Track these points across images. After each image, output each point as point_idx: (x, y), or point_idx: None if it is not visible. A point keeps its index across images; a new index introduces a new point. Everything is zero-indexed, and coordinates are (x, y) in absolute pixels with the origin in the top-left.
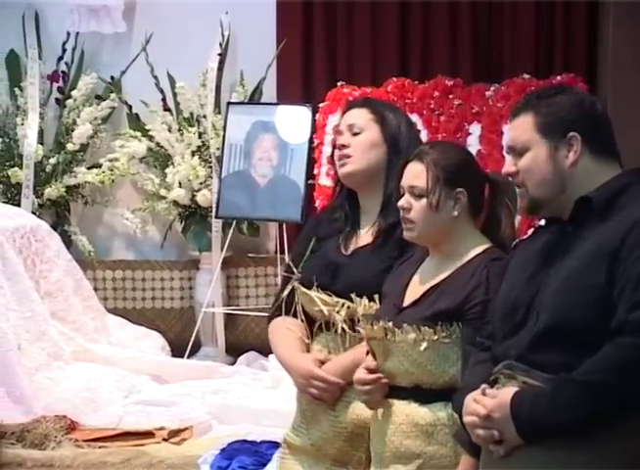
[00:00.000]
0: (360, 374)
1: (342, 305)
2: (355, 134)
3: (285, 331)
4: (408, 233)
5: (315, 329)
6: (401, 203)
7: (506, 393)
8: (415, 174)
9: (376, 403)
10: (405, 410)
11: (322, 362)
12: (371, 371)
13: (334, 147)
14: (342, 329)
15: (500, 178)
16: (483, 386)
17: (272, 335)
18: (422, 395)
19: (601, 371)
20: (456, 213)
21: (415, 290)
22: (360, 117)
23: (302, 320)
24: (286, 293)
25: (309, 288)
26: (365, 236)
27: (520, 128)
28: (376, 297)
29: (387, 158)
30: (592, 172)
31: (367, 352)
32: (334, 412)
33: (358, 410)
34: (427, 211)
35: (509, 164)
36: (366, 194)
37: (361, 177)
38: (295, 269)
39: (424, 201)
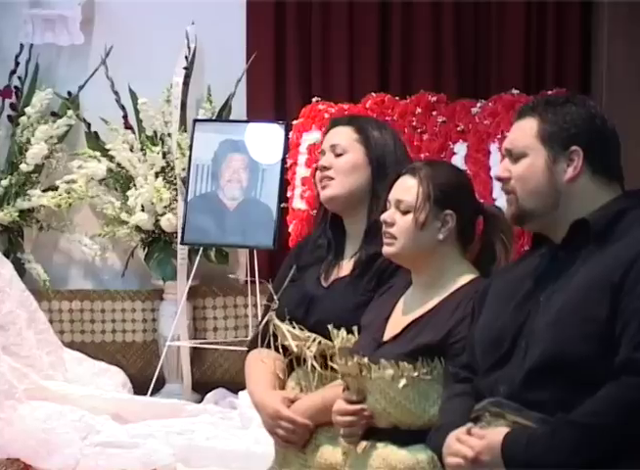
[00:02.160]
0: (341, 405)
1: (314, 340)
2: (338, 155)
3: (258, 365)
4: (387, 248)
5: (287, 364)
6: (385, 216)
7: (496, 434)
8: (405, 188)
9: (357, 438)
10: (382, 454)
11: (292, 401)
12: (352, 403)
13: (315, 168)
14: (312, 366)
15: (495, 211)
16: (469, 424)
17: (246, 368)
18: (400, 436)
19: (604, 413)
20: (441, 237)
21: (396, 323)
22: (344, 136)
23: (280, 353)
24: (263, 323)
25: (283, 320)
26: (347, 266)
27: (521, 132)
28: (355, 329)
29: (371, 181)
30: (590, 192)
31: (343, 389)
32: (303, 455)
33: (327, 455)
34: (411, 227)
35: (502, 169)
36: (351, 219)
37: (343, 202)
38: (275, 298)
39: (409, 217)
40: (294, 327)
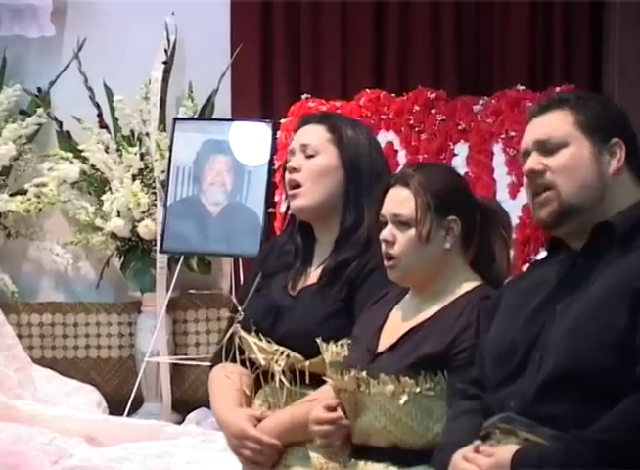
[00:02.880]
0: (318, 412)
1: (282, 353)
2: (309, 156)
3: (222, 381)
4: (392, 273)
5: (255, 379)
6: (384, 235)
7: (505, 451)
8: (399, 201)
9: (334, 449)
10: None
11: (259, 420)
12: (331, 410)
13: (284, 169)
14: (280, 381)
15: (493, 205)
16: (477, 442)
17: (211, 384)
18: (401, 456)
19: (622, 429)
20: (448, 245)
21: (392, 332)
22: (316, 136)
23: (246, 367)
24: (228, 336)
25: (249, 332)
26: (314, 274)
27: (554, 124)
28: (344, 342)
29: (344, 186)
30: (630, 188)
31: (335, 408)
32: None
33: None
34: (415, 243)
35: (536, 161)
36: (321, 227)
37: (314, 211)
38: (239, 309)
39: (411, 232)
40: (261, 339)
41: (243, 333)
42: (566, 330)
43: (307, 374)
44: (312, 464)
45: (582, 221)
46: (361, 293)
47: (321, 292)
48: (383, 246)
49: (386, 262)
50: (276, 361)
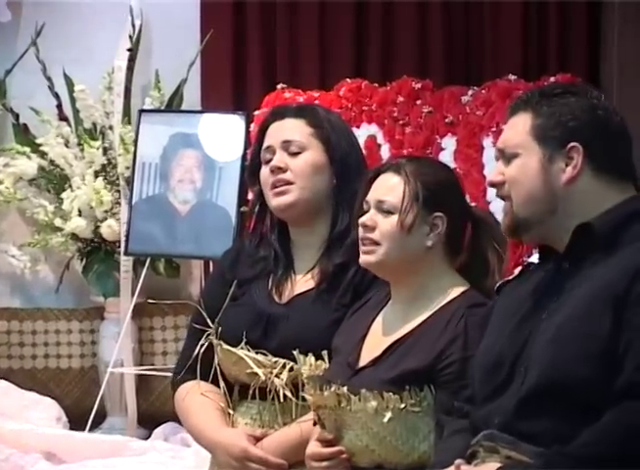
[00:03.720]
0: (315, 448)
1: (283, 365)
2: (294, 154)
3: (200, 400)
4: (367, 257)
5: (235, 397)
6: (364, 220)
7: (486, 469)
8: (388, 187)
9: None
10: None
11: (257, 439)
12: (327, 444)
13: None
14: (284, 396)
15: (486, 216)
16: (458, 461)
17: (183, 404)
18: None
19: (603, 443)
20: (430, 243)
21: (374, 344)
22: (298, 131)
23: (219, 386)
24: (202, 350)
25: (235, 345)
26: (303, 280)
27: (513, 129)
28: (325, 354)
29: (333, 185)
30: (594, 194)
31: (314, 423)
32: None
33: None
34: (396, 231)
35: (496, 173)
36: (303, 229)
37: (303, 209)
38: (209, 321)
39: (393, 218)
40: (249, 352)
41: (227, 346)
42: (548, 340)
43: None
44: None
45: (540, 233)
46: (368, 297)
47: (320, 298)
48: (361, 231)
49: (362, 247)
50: (277, 375)
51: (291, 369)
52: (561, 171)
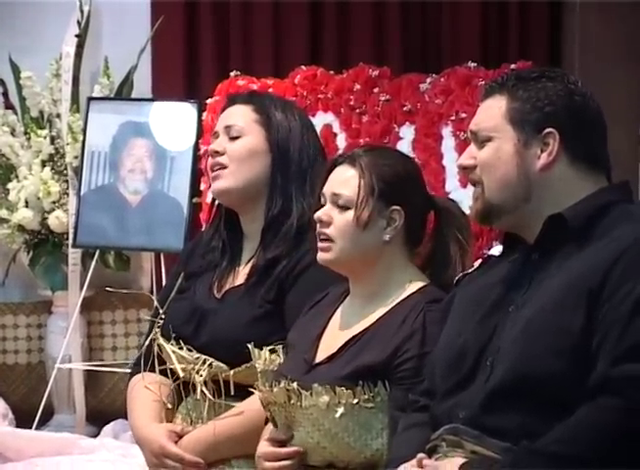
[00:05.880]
0: (267, 448)
1: (204, 362)
2: (233, 138)
3: (142, 392)
4: (324, 255)
5: (175, 391)
6: (319, 214)
7: (450, 465)
8: (343, 181)
9: None
10: None
11: (180, 436)
12: (281, 443)
13: (205, 153)
14: (203, 393)
15: (449, 205)
16: (420, 455)
17: (129, 396)
18: None
19: (574, 440)
20: (387, 237)
21: (331, 341)
22: (241, 116)
23: (168, 376)
24: (147, 342)
25: (168, 339)
26: (243, 272)
27: (487, 112)
28: (279, 348)
29: (270, 170)
30: (568, 183)
31: (266, 421)
32: None
33: None
34: (351, 227)
35: (467, 156)
36: (247, 216)
37: (238, 195)
38: (160, 311)
39: (349, 214)
40: (181, 347)
41: (161, 340)
42: (517, 334)
43: (232, 385)
44: None
45: (512, 220)
46: (292, 295)
47: (248, 293)
48: (317, 226)
49: (319, 243)
50: (197, 371)
51: (210, 366)
52: (536, 157)
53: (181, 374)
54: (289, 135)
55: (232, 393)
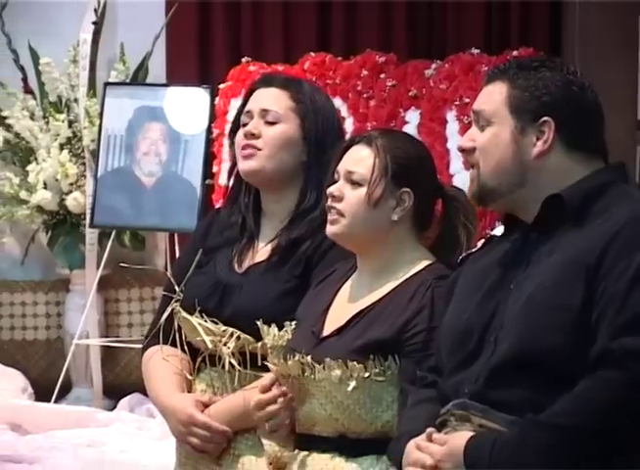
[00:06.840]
0: (257, 397)
1: (231, 335)
2: (269, 123)
3: (161, 364)
4: (332, 227)
5: (198, 363)
6: (332, 189)
7: (458, 438)
8: (358, 159)
9: (285, 430)
10: (328, 466)
11: (206, 405)
12: (267, 389)
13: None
14: (231, 365)
15: (457, 194)
16: (430, 430)
17: (146, 368)
18: (348, 446)
19: (576, 413)
20: (396, 217)
21: (339, 314)
22: (278, 102)
23: (185, 351)
24: (165, 316)
25: (191, 313)
26: (264, 250)
27: (489, 96)
28: (288, 324)
29: (304, 160)
30: (564, 169)
31: (273, 385)
32: (219, 468)
33: (248, 466)
34: (362, 203)
35: (467, 138)
36: (272, 197)
37: (268, 177)
38: (176, 287)
39: (361, 191)
40: (205, 320)
41: (184, 314)
42: (519, 310)
43: (259, 356)
44: (266, 453)
45: (507, 203)
46: (319, 270)
47: (272, 269)
48: (329, 200)
49: (329, 216)
50: (224, 344)
51: (238, 338)
52: (531, 145)
53: (210, 346)
54: (321, 127)
55: (258, 364)
